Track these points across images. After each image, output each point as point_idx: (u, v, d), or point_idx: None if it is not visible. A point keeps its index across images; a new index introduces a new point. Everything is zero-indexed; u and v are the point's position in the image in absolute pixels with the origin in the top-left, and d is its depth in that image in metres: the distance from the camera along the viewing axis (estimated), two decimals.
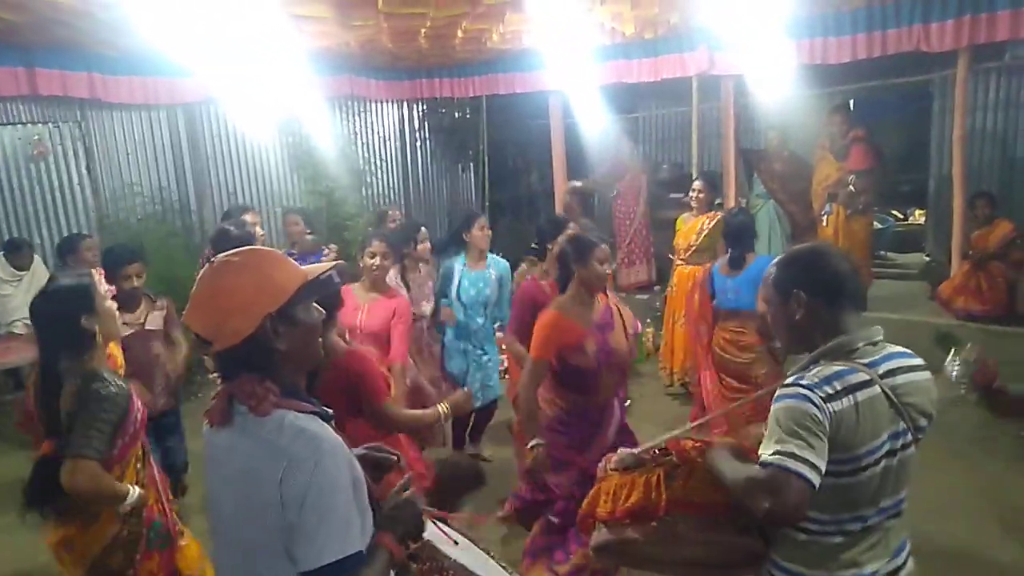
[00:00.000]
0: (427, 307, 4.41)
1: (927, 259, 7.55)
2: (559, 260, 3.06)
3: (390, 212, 5.77)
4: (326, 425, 1.47)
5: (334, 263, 1.57)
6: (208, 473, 1.55)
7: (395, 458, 1.78)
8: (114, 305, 2.60)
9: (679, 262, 5.43)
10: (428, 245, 4.55)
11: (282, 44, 5.75)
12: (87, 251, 4.97)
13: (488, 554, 1.93)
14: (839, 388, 1.59)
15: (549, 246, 3.77)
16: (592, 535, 1.97)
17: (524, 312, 3.55)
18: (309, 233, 5.61)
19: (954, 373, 2.03)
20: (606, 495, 1.93)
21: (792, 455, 1.54)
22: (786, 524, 1.63)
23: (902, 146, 7.95)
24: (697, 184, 5.45)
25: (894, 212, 9.00)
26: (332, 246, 5.71)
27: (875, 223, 6.34)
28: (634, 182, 7.87)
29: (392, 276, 4.00)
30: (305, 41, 5.79)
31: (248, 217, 4.93)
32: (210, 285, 1.45)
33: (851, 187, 6.04)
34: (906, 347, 1.79)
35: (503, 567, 1.92)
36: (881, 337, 1.73)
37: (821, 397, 1.58)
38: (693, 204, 5.41)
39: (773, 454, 1.56)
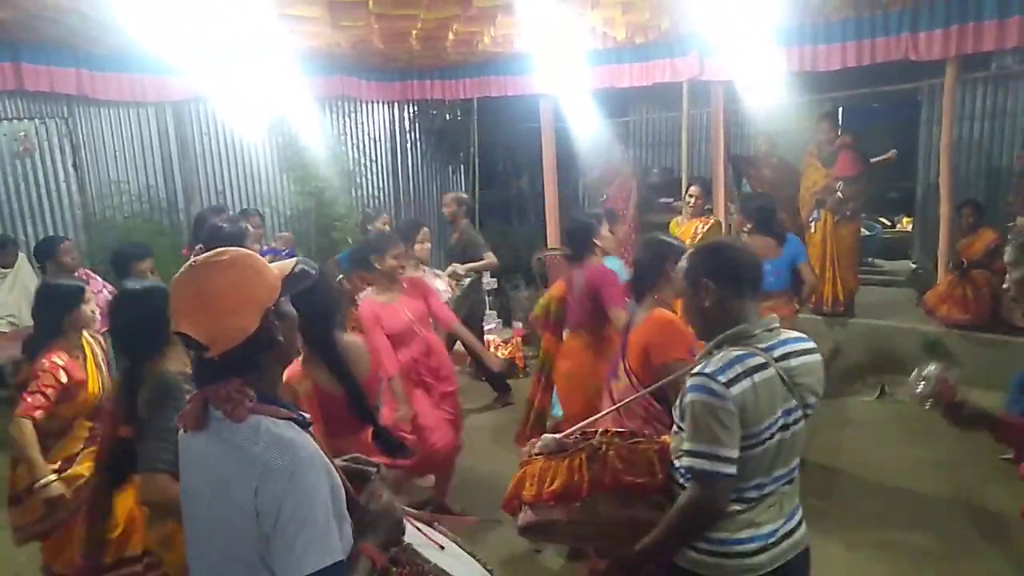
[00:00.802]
0: None
1: (914, 266, 7.60)
2: (648, 263, 2.77)
3: (384, 216, 5.77)
4: (303, 432, 1.44)
5: (297, 259, 1.57)
6: (182, 480, 1.52)
7: (375, 469, 1.74)
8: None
9: None
10: (428, 245, 4.55)
11: (273, 43, 5.73)
12: (65, 255, 4.90)
13: (475, 558, 1.92)
14: (740, 371, 1.76)
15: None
16: (518, 516, 2.10)
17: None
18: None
19: (917, 389, 2.10)
20: (531, 479, 2.04)
21: (710, 456, 1.74)
22: (718, 516, 1.79)
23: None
24: (693, 189, 5.50)
25: (882, 219, 9.06)
26: (284, 233, 5.69)
27: (863, 230, 6.39)
28: (624, 186, 7.88)
29: None
30: (296, 41, 5.78)
31: (250, 225, 4.92)
32: (200, 287, 1.39)
33: (839, 193, 6.07)
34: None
35: (489, 571, 1.91)
36: (778, 324, 1.92)
37: (724, 382, 1.74)
38: (688, 208, 5.46)
39: (693, 456, 1.77)
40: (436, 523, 1.92)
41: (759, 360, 1.79)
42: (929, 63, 5.43)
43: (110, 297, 4.88)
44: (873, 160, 6.58)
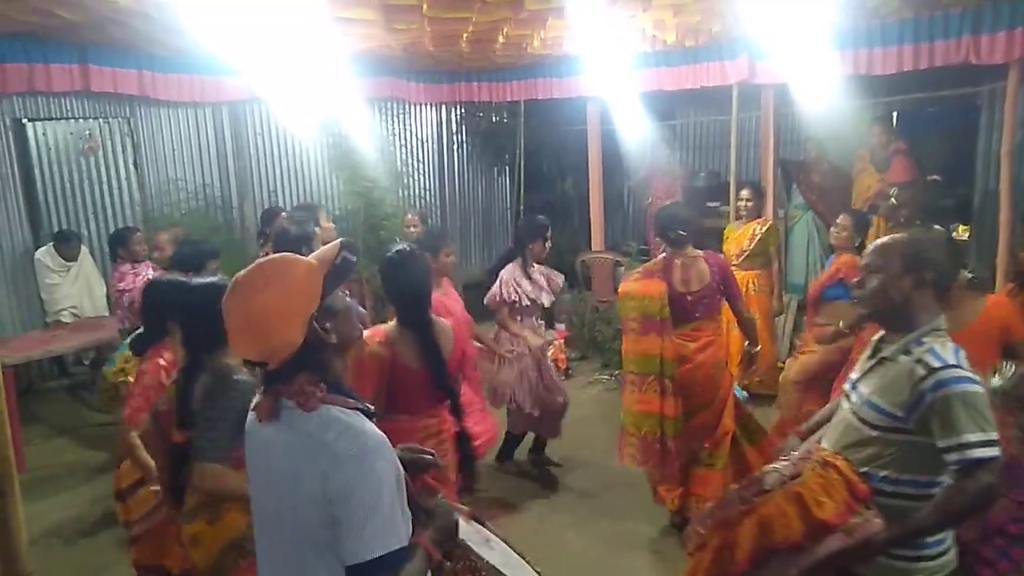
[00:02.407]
0: None
1: (970, 275, 7.36)
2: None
3: (408, 217, 5.81)
4: (369, 421, 1.49)
5: (338, 240, 1.55)
6: (251, 468, 1.59)
7: (431, 457, 1.80)
8: None
9: (732, 266, 5.43)
10: (453, 259, 4.59)
11: (326, 46, 5.84)
12: (136, 244, 5.13)
13: (523, 557, 1.94)
14: (966, 362, 1.81)
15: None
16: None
17: None
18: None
19: (994, 381, 2.15)
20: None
21: (995, 442, 1.74)
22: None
23: (947, 159, 7.78)
24: (745, 192, 5.45)
25: (937, 227, 8.80)
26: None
27: None
28: (669, 189, 7.83)
29: None
30: (348, 43, 5.88)
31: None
32: (244, 310, 1.45)
33: (892, 199, 5.94)
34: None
35: (536, 571, 1.94)
36: None
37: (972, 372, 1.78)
38: (742, 212, 5.42)
39: (984, 446, 1.72)
40: (484, 520, 1.95)
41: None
42: (990, 66, 5.27)
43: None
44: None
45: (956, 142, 7.79)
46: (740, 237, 5.37)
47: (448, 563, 1.63)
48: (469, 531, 1.78)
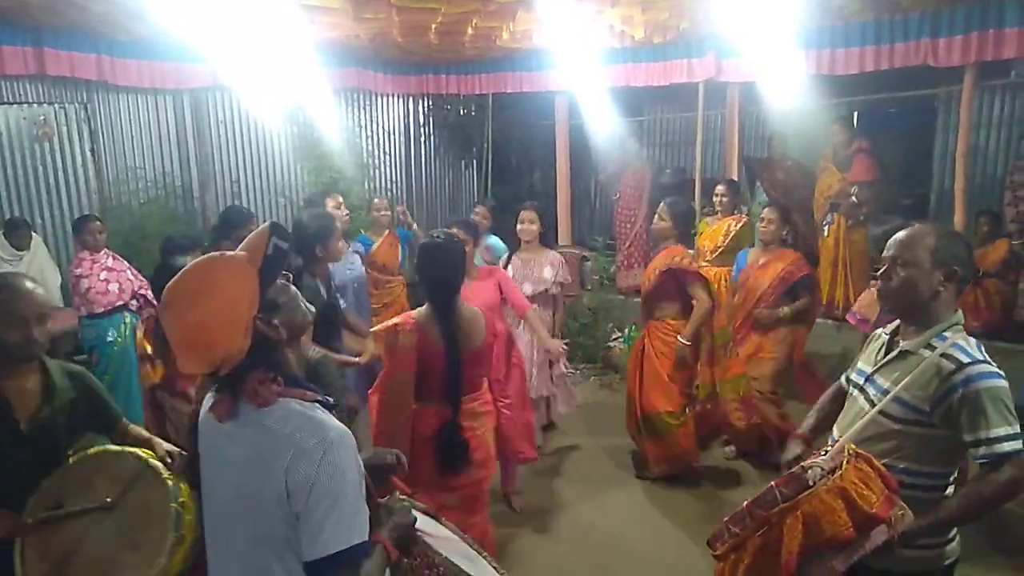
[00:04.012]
0: None
1: None
2: None
3: (376, 201, 5.73)
4: (331, 415, 1.47)
5: (265, 225, 1.48)
6: (206, 467, 1.54)
7: (395, 459, 1.79)
8: None
9: (704, 264, 5.48)
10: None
11: (292, 34, 5.75)
12: (89, 234, 5.00)
13: (480, 553, 1.95)
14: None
15: None
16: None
17: None
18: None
19: None
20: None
21: (1017, 435, 1.77)
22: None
23: (905, 160, 7.98)
24: (720, 188, 5.50)
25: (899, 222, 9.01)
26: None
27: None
28: (637, 186, 7.89)
29: None
30: (315, 32, 5.80)
31: (330, 202, 4.81)
32: (182, 326, 1.40)
33: (853, 198, 6.06)
34: None
35: (494, 566, 1.94)
36: None
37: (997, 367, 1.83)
38: (717, 207, 5.48)
39: (1011, 439, 1.76)
40: (440, 518, 1.95)
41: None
42: (947, 69, 5.41)
43: (132, 278, 4.99)
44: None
45: (914, 143, 7.99)
46: (715, 233, 5.42)
47: (406, 560, 1.63)
48: (427, 528, 1.78)
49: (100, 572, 1.82)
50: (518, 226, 4.56)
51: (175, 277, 1.43)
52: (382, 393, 2.82)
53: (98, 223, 5.08)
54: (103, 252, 5.00)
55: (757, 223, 4.67)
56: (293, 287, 1.56)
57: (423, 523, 1.75)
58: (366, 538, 1.41)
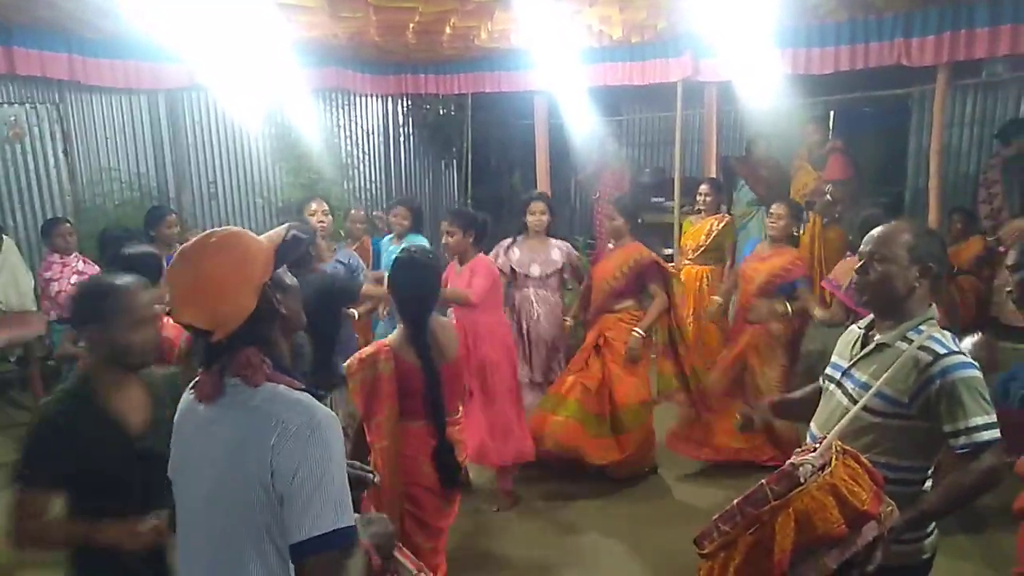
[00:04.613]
0: None
1: None
2: None
3: (352, 212, 5.76)
4: (317, 401, 1.45)
5: (289, 225, 1.54)
6: (182, 452, 1.50)
7: (368, 475, 1.75)
8: None
9: (686, 262, 5.53)
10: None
11: (269, 33, 5.70)
12: (59, 236, 4.93)
13: None
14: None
15: None
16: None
17: None
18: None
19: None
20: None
21: (994, 424, 1.81)
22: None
23: (880, 158, 8.08)
24: (704, 187, 5.54)
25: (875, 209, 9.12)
26: None
27: (851, 235, 6.44)
28: (617, 185, 7.91)
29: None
30: (292, 31, 5.75)
31: (314, 205, 4.79)
32: (195, 274, 1.39)
33: (828, 196, 6.13)
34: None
35: None
36: None
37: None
38: (700, 206, 5.51)
39: (988, 428, 1.80)
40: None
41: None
42: (921, 69, 5.48)
43: None
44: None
45: (889, 141, 8.09)
46: (697, 232, 5.46)
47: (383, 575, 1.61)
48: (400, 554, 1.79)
49: None
50: (528, 217, 4.60)
51: (197, 238, 1.44)
52: (383, 439, 2.67)
53: (68, 225, 5.02)
54: (74, 255, 4.93)
55: (767, 219, 4.62)
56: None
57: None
58: (353, 523, 1.37)
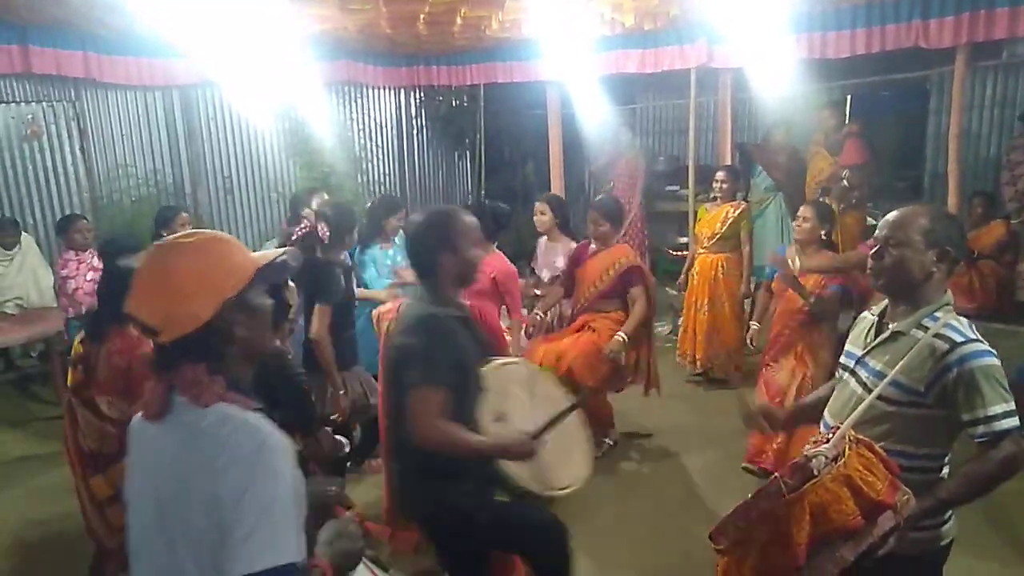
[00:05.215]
0: None
1: None
2: None
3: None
4: (271, 424, 1.36)
5: (285, 249, 1.47)
6: (135, 474, 1.43)
7: (335, 491, 1.70)
8: None
9: (701, 251, 5.50)
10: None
11: (281, 27, 5.71)
12: (76, 232, 4.98)
13: None
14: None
15: None
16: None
17: None
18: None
19: None
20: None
21: (1013, 412, 1.78)
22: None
23: (898, 142, 7.97)
24: (720, 174, 5.48)
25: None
26: None
27: (868, 218, 6.38)
28: (631, 175, 7.87)
29: None
30: (304, 25, 5.76)
31: (315, 199, 4.84)
32: (162, 267, 1.33)
33: (845, 182, 6.06)
34: None
35: None
36: None
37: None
38: (716, 194, 5.46)
39: (1007, 416, 1.78)
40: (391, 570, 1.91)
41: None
42: (939, 51, 5.39)
43: None
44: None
45: (907, 126, 7.98)
46: (712, 219, 5.41)
47: None
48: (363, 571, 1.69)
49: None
50: (534, 216, 4.72)
51: (182, 233, 1.40)
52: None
53: (84, 222, 5.06)
54: (89, 252, 4.97)
55: (792, 223, 4.40)
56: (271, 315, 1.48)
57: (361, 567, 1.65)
58: (297, 560, 1.27)
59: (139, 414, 1.40)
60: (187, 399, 1.30)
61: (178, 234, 1.41)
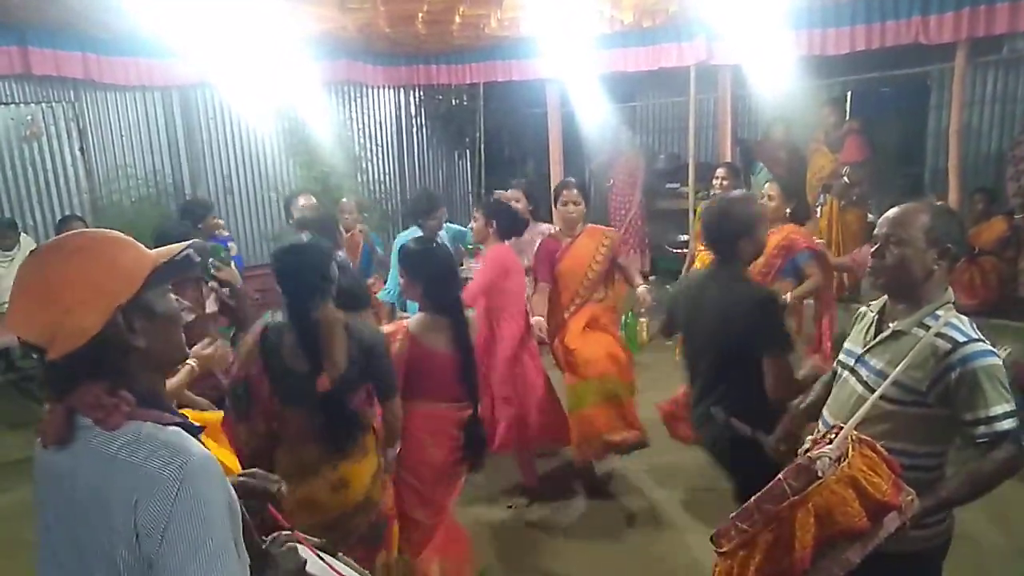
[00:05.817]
0: None
1: None
2: None
3: (343, 202, 5.72)
4: (194, 439, 1.20)
5: (189, 242, 1.30)
6: (43, 508, 1.25)
7: (275, 485, 1.50)
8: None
9: (701, 248, 5.46)
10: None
11: (279, 27, 5.71)
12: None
13: None
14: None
15: None
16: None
17: None
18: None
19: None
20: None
21: (1013, 412, 1.77)
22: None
23: (899, 139, 7.95)
24: (720, 171, 5.44)
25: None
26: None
27: (869, 215, 6.38)
28: (631, 172, 7.86)
29: None
30: (303, 24, 5.75)
31: (301, 200, 4.82)
32: (39, 278, 1.16)
33: (845, 179, 6.05)
34: None
35: None
36: None
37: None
38: (717, 191, 5.42)
39: (1008, 417, 1.76)
40: (337, 552, 1.69)
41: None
42: (939, 47, 5.37)
43: None
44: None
45: (908, 122, 7.95)
46: None
47: None
48: (318, 570, 1.52)
49: None
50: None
51: (66, 234, 1.25)
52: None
53: (81, 222, 5.05)
54: None
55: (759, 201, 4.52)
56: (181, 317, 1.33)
57: (315, 566, 1.49)
58: None
59: (38, 441, 1.22)
60: (92, 423, 1.15)
61: (59, 236, 1.26)
